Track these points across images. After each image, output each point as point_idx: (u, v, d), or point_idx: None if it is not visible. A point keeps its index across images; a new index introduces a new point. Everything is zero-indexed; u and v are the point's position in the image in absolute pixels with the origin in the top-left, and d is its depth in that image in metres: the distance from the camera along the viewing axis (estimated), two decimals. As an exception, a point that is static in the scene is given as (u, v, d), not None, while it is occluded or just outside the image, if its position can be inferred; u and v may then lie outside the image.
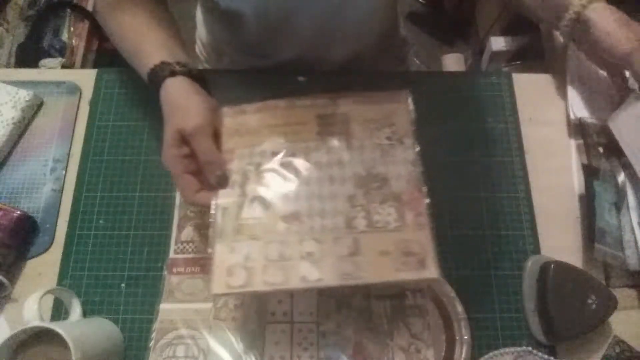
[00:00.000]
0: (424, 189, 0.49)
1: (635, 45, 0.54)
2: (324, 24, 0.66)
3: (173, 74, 0.53)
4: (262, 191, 0.49)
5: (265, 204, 0.48)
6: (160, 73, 0.53)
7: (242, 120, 0.53)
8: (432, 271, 0.45)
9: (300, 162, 0.50)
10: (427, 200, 0.48)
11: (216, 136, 0.52)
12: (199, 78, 0.55)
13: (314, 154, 0.50)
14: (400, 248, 0.46)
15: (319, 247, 0.46)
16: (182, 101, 0.52)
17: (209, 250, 0.47)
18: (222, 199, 0.49)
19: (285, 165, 0.50)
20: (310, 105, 0.53)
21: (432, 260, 0.45)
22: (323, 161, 0.50)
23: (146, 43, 0.57)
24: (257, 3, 0.63)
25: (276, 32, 0.68)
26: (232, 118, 0.53)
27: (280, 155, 0.50)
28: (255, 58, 0.74)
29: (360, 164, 0.50)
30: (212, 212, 0.48)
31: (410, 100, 0.53)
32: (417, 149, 0.51)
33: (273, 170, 0.50)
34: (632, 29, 0.55)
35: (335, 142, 0.51)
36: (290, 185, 0.49)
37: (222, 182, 0.49)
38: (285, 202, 0.48)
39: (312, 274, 0.45)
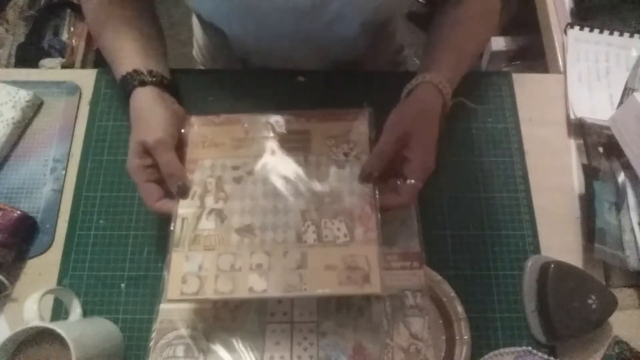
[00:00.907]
0: (375, 205, 0.51)
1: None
2: (309, 44, 0.66)
3: (143, 83, 0.55)
4: (220, 204, 0.52)
5: (221, 216, 0.51)
6: (130, 81, 0.55)
7: (207, 131, 0.56)
8: (375, 286, 0.47)
9: (258, 177, 0.53)
10: (378, 217, 0.50)
11: (180, 144, 0.55)
12: (170, 87, 0.58)
13: (272, 169, 0.53)
14: (347, 262, 0.48)
15: (268, 259, 0.49)
16: (146, 113, 0.54)
17: (170, 252, 0.50)
18: (182, 209, 0.51)
19: (243, 179, 0.53)
20: (273, 122, 0.56)
21: (376, 276, 0.47)
22: (280, 176, 0.53)
23: (124, 48, 0.58)
24: (233, 29, 0.65)
25: (257, 54, 0.68)
26: (198, 128, 0.56)
27: (239, 170, 0.53)
28: (248, 63, 0.74)
29: (315, 179, 0.52)
30: (172, 221, 0.51)
31: (369, 118, 0.55)
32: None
33: (231, 184, 0.53)
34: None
35: (293, 158, 0.54)
36: (246, 199, 0.52)
37: (183, 192, 0.52)
38: (240, 215, 0.51)
39: (259, 285, 0.48)
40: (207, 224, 0.51)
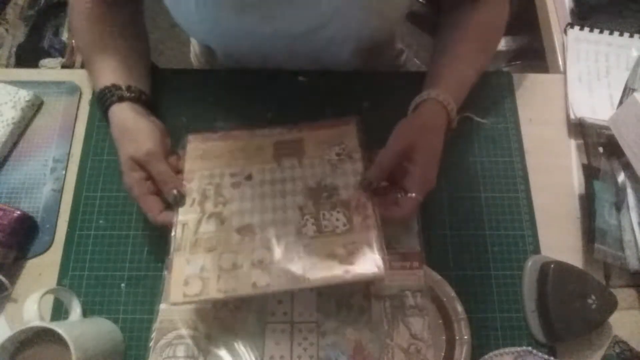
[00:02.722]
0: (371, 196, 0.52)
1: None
2: (304, 62, 0.66)
3: (121, 99, 0.55)
4: (219, 208, 0.52)
5: (221, 218, 0.52)
6: (108, 96, 0.55)
7: (206, 146, 0.57)
8: (378, 269, 0.47)
9: (255, 181, 0.54)
10: (374, 206, 0.51)
11: (167, 155, 0.55)
12: (148, 104, 0.58)
13: (268, 173, 0.55)
14: (348, 249, 0.49)
15: (269, 255, 0.49)
16: (130, 127, 0.54)
17: (168, 260, 0.50)
18: (182, 216, 0.52)
19: (242, 184, 0.54)
20: (269, 135, 0.58)
21: (379, 259, 0.47)
22: (277, 178, 0.54)
23: (104, 62, 0.58)
24: (226, 51, 0.66)
25: (256, 64, 0.69)
26: (196, 144, 0.58)
27: (237, 176, 0.55)
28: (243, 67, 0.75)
29: (311, 177, 0.54)
30: (173, 227, 0.51)
31: (358, 125, 0.57)
32: (363, 163, 0.54)
33: (230, 189, 0.54)
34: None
35: (288, 162, 0.55)
36: (245, 201, 0.53)
37: (179, 200, 0.52)
38: (240, 216, 0.52)
39: (261, 280, 0.48)
40: (208, 227, 0.51)
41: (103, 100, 0.56)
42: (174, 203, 0.52)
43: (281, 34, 0.58)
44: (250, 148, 0.57)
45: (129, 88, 0.56)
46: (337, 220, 0.51)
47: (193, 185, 0.54)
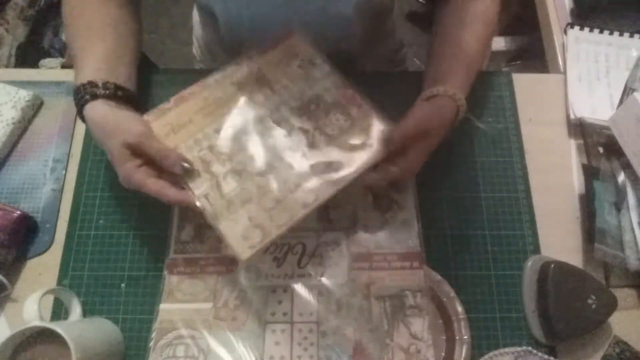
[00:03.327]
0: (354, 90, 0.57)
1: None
2: (303, 25, 0.65)
3: (94, 96, 0.52)
4: (228, 165, 0.53)
5: (237, 172, 0.52)
6: (82, 95, 0.53)
7: (167, 119, 0.55)
8: (383, 127, 0.54)
9: (245, 125, 0.54)
10: (359, 94, 0.56)
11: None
12: (126, 99, 0.55)
13: (251, 113, 0.55)
14: (361, 138, 0.54)
15: (300, 176, 0.52)
16: (111, 120, 0.52)
17: (217, 227, 0.50)
18: (198, 190, 0.51)
19: (234, 134, 0.54)
20: (223, 78, 0.57)
21: (382, 124, 0.55)
22: (261, 114, 0.55)
23: (85, 56, 0.56)
24: (228, 17, 0.65)
25: (254, 38, 0.68)
26: (157, 121, 0.55)
27: (224, 130, 0.54)
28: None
29: (291, 99, 0.56)
30: (197, 204, 0.51)
31: (300, 32, 0.59)
32: (328, 63, 0.58)
33: (226, 143, 0.54)
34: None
35: (261, 95, 0.56)
36: (247, 147, 0.53)
37: (187, 171, 0.51)
38: (252, 161, 0.53)
39: (308, 197, 0.51)
40: (230, 185, 0.51)
41: (77, 99, 0.53)
42: (184, 173, 0.51)
43: None
44: (215, 98, 0.56)
45: (105, 85, 0.53)
46: (338, 120, 0.55)
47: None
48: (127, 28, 0.60)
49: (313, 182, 0.51)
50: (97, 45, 0.56)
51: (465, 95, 0.56)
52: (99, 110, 0.52)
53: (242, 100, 0.56)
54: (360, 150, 0.53)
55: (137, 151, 0.50)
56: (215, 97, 0.56)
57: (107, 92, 0.53)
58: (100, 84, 0.53)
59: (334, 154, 0.53)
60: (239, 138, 0.54)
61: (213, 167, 0.52)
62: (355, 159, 0.53)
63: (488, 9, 0.61)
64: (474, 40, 0.59)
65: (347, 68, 0.59)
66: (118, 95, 0.54)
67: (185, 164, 0.51)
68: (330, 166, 0.52)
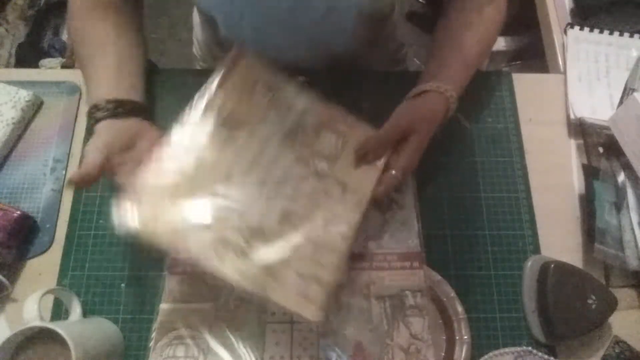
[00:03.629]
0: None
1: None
2: (306, 38, 0.66)
3: (98, 120, 0.53)
4: (243, 228, 0.47)
5: (256, 232, 0.47)
6: (90, 119, 0.55)
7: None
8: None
9: (242, 177, 0.49)
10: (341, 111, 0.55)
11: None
12: (138, 113, 0.55)
13: (244, 162, 0.50)
14: (357, 150, 0.53)
15: (322, 210, 0.49)
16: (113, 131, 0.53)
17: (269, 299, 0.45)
18: (227, 270, 0.45)
19: (233, 196, 0.48)
20: (191, 142, 0.50)
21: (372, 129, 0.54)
22: (253, 157, 0.50)
23: (98, 74, 0.57)
24: (229, 21, 0.65)
25: (253, 44, 0.68)
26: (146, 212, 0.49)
27: (217, 199, 0.48)
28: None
29: (273, 132, 0.52)
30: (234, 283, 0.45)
31: (249, 54, 0.54)
32: (293, 82, 0.55)
33: (233, 193, 0.48)
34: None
35: (242, 137, 0.51)
36: (253, 204, 0.48)
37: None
38: (267, 216, 0.48)
39: (340, 228, 0.49)
40: (259, 250, 0.46)
41: (89, 119, 0.55)
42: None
43: None
44: (203, 163, 0.49)
45: (106, 104, 0.54)
46: (330, 140, 0.53)
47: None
48: (129, 39, 0.61)
49: (338, 210, 0.49)
50: (98, 60, 0.58)
51: (459, 94, 0.56)
52: (104, 128, 0.53)
53: (225, 156, 0.49)
54: (364, 164, 0.52)
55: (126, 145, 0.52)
56: (190, 169, 0.49)
57: (106, 113, 0.54)
58: (101, 106, 0.54)
59: (341, 175, 0.52)
60: (243, 187, 0.48)
61: (229, 237, 0.46)
62: (364, 175, 0.52)
63: (494, 15, 0.61)
64: (475, 41, 0.59)
65: (346, 69, 0.59)
66: (118, 112, 0.54)
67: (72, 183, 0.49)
68: (346, 189, 0.51)
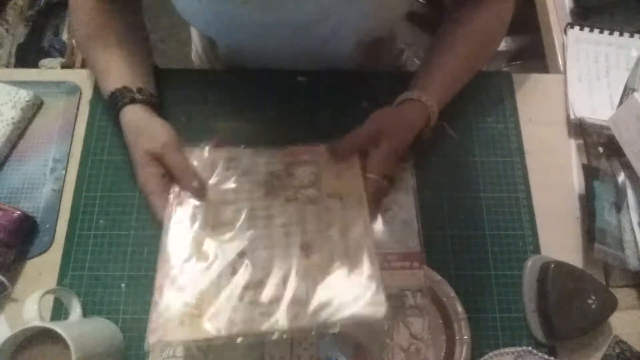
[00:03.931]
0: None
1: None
2: (306, 58, 0.66)
3: (133, 101, 0.55)
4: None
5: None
6: (120, 98, 0.55)
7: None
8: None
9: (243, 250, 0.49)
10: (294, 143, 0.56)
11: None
12: (156, 106, 0.58)
13: (227, 249, 0.49)
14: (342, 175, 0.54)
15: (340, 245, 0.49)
16: (144, 124, 0.54)
17: None
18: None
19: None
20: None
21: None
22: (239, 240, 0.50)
23: (111, 65, 0.58)
24: (228, 43, 0.66)
25: (252, 63, 0.69)
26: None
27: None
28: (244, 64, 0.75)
29: (250, 194, 0.53)
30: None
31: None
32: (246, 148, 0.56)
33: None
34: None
35: (225, 221, 0.51)
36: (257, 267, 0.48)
37: (200, 193, 0.51)
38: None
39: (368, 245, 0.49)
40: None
41: (115, 102, 0.55)
42: (195, 196, 0.51)
43: (283, 24, 0.58)
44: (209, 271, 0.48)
45: (139, 90, 0.56)
46: (305, 172, 0.54)
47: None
48: (138, 35, 0.62)
49: (347, 217, 0.50)
50: (117, 56, 0.58)
51: (442, 104, 0.58)
52: (136, 114, 0.55)
53: (228, 248, 0.49)
54: (343, 171, 0.53)
55: (159, 160, 0.51)
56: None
57: (144, 97, 0.56)
58: (135, 89, 0.56)
59: (331, 189, 0.52)
60: (258, 263, 0.48)
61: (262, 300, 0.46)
62: (349, 178, 0.53)
63: (494, 22, 0.61)
64: (469, 56, 0.60)
65: (347, 74, 0.59)
66: (152, 102, 0.57)
67: (198, 183, 0.50)
68: (342, 197, 0.52)
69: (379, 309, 0.45)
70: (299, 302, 0.45)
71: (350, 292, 0.46)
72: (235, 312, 0.45)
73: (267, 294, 0.46)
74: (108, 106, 0.57)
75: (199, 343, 0.44)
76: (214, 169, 0.54)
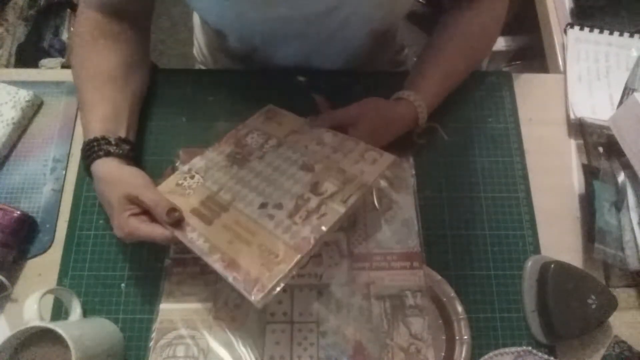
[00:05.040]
0: None
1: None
2: (315, 50, 0.66)
3: (108, 154, 0.53)
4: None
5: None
6: (95, 150, 0.53)
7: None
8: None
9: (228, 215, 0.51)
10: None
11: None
12: (131, 158, 0.56)
13: (240, 202, 0.52)
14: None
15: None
16: (117, 174, 0.53)
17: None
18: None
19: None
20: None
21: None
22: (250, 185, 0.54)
23: (94, 105, 0.56)
24: (241, 33, 0.65)
25: (262, 52, 0.68)
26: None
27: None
28: (246, 65, 0.74)
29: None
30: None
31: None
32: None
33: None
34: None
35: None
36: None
37: (177, 221, 0.50)
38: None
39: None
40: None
41: (89, 153, 0.53)
42: (172, 221, 0.49)
43: (296, 14, 0.58)
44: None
45: (118, 142, 0.54)
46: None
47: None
48: (134, 74, 0.61)
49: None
50: (102, 96, 0.57)
51: (433, 105, 0.59)
52: (107, 166, 0.53)
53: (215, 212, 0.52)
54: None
55: (135, 201, 0.50)
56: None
57: (120, 152, 0.54)
58: (112, 141, 0.54)
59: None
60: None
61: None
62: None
63: (488, 23, 0.62)
64: (462, 55, 0.61)
65: (347, 75, 0.59)
66: (129, 155, 0.55)
67: (171, 209, 0.49)
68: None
69: (390, 156, 0.52)
70: (330, 196, 0.50)
71: (364, 164, 0.52)
72: (290, 240, 0.47)
73: (301, 215, 0.49)
74: (82, 154, 0.55)
75: (286, 280, 0.45)
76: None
